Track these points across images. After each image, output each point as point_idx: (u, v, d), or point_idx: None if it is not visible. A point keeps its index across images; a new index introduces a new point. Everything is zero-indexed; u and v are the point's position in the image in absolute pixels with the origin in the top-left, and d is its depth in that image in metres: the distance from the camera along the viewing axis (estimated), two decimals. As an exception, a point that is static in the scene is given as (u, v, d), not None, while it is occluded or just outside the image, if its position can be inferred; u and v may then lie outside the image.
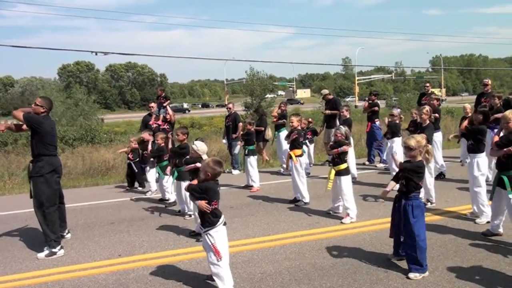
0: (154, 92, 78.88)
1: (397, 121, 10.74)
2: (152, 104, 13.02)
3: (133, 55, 36.39)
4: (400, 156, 10.18)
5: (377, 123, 14.09)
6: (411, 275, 5.57)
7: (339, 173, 8.26)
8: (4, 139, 24.47)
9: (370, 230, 7.62)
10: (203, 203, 5.15)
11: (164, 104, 12.82)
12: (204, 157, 7.44)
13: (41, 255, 6.96)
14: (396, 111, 10.84)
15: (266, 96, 49.32)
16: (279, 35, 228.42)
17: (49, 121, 7.31)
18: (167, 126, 12.66)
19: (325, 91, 14.73)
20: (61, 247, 7.11)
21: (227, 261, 5.31)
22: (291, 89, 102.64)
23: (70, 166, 16.17)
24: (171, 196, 9.91)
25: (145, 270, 6.24)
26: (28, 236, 8.15)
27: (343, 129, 8.55)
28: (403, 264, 5.91)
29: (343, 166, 8.27)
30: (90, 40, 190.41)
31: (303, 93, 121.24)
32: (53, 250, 6.99)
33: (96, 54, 17.46)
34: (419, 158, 5.80)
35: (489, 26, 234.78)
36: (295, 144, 9.57)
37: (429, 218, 7.94)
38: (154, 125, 12.54)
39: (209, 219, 5.22)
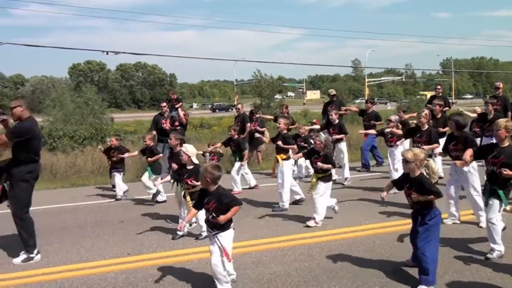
0: (165, 93, 79.36)
1: (394, 128, 10.14)
2: (164, 104, 13.06)
3: (144, 55, 36.49)
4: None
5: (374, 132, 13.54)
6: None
7: (320, 178, 8.13)
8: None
9: (380, 232, 7.58)
10: (223, 218, 5.18)
11: (176, 106, 12.84)
12: (194, 159, 7.50)
13: (17, 260, 6.70)
14: (394, 118, 10.46)
15: (275, 97, 49.26)
16: (289, 36, 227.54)
17: (36, 123, 6.88)
18: (179, 128, 12.70)
19: (333, 91, 14.82)
20: (38, 252, 6.84)
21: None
22: (300, 90, 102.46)
23: (80, 164, 16.22)
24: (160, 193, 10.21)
25: (154, 269, 6.26)
26: (39, 232, 8.17)
27: (323, 136, 8.29)
28: (413, 269, 5.89)
29: (322, 175, 8.15)
30: (101, 40, 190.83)
31: (312, 95, 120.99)
32: (31, 255, 6.74)
33: (107, 54, 17.51)
34: (418, 172, 5.48)
35: (498, 29, 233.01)
36: (280, 148, 9.34)
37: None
38: (165, 126, 12.61)
39: (226, 224, 5.25)
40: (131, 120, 49.66)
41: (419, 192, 5.40)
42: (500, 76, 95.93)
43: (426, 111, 9.09)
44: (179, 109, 12.80)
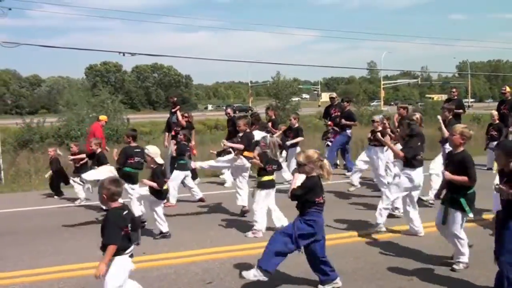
0: (180, 93, 79.64)
1: (379, 128, 9.55)
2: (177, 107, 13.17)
3: (159, 56, 36.67)
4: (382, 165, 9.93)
5: (348, 132, 13.09)
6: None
7: (258, 184, 7.75)
8: (31, 137, 24.89)
9: (394, 236, 7.55)
10: None
11: (173, 111, 12.91)
12: (158, 159, 7.58)
13: None
14: (377, 118, 9.86)
15: (291, 99, 49.22)
16: (304, 38, 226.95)
17: None
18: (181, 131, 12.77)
19: (333, 94, 15.03)
20: None
21: None
22: (315, 92, 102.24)
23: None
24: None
25: (168, 268, 6.31)
26: (54, 231, 8.29)
27: (268, 138, 8.01)
28: (427, 272, 5.87)
29: (265, 178, 7.70)
30: (118, 41, 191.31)
31: (328, 97, 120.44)
32: None
33: (123, 55, 17.61)
34: (313, 174, 5.33)
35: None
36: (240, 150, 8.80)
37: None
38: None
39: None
40: (146, 121, 49.95)
41: None
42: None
43: (418, 115, 8.61)
44: (177, 113, 12.79)
